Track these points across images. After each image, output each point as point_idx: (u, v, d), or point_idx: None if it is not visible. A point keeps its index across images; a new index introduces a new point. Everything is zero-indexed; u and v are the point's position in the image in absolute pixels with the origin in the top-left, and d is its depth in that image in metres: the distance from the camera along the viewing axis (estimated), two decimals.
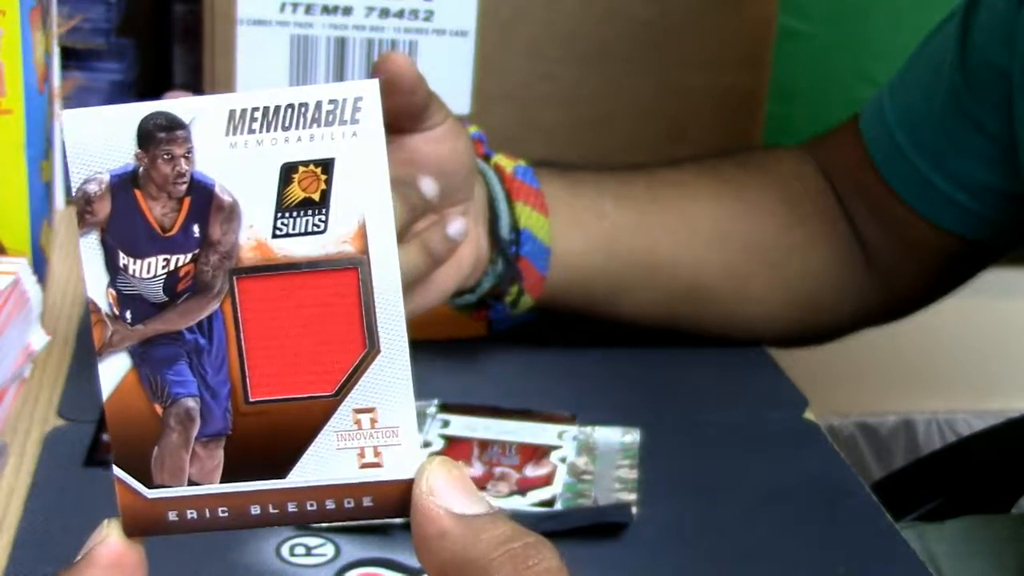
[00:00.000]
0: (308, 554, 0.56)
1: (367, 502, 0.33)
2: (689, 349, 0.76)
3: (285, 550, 0.56)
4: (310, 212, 0.31)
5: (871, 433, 1.72)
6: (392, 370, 0.32)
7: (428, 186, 0.62)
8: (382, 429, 0.33)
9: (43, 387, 0.68)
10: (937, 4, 0.78)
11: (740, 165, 0.79)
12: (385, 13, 0.94)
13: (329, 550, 0.56)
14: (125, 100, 1.01)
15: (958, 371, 1.71)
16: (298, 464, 0.33)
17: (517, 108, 0.97)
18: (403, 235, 0.61)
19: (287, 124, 0.31)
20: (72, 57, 0.89)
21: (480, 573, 0.32)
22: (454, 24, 0.95)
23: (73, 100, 0.89)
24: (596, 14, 0.97)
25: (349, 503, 0.33)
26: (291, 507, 0.33)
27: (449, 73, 0.96)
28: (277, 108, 0.31)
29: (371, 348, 0.32)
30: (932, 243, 0.75)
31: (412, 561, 0.55)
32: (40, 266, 0.75)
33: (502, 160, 0.70)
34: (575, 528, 0.57)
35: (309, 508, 0.33)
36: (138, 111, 0.32)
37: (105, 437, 0.63)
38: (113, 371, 0.32)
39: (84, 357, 0.71)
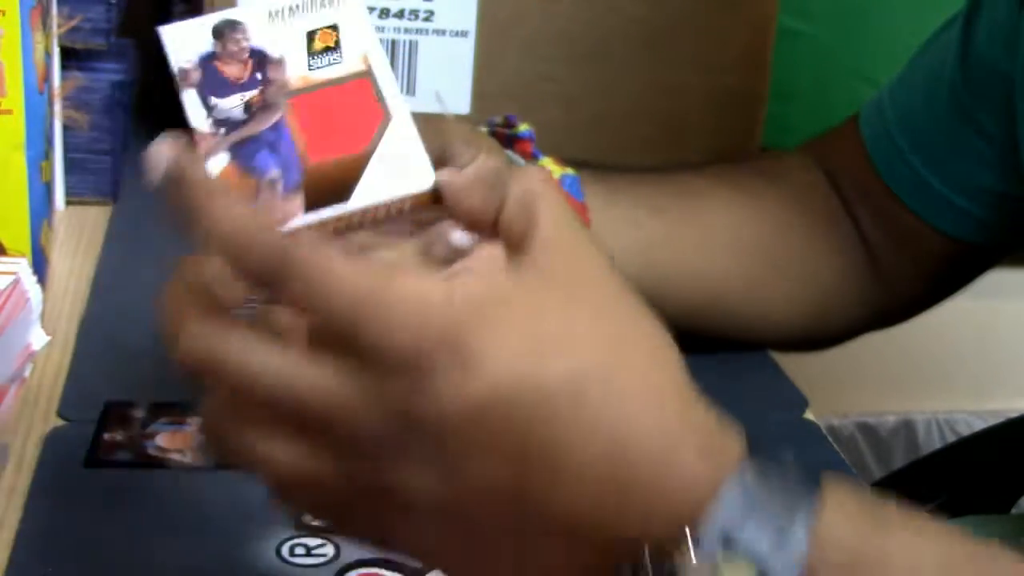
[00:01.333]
0: (308, 554, 0.56)
1: (407, 205, 0.46)
2: (689, 348, 0.76)
3: (285, 550, 0.56)
4: (330, 54, 0.48)
5: (871, 433, 1.72)
6: (399, 123, 0.47)
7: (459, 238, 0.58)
8: None
9: (43, 387, 0.68)
10: (937, 4, 0.78)
11: (759, 174, 0.78)
12: (385, 13, 0.94)
13: (329, 550, 0.56)
14: (125, 100, 1.01)
15: (958, 371, 1.71)
16: (354, 191, 0.46)
17: (517, 108, 0.97)
18: None
19: (305, 9, 0.48)
20: (72, 57, 0.89)
21: None
22: (454, 24, 0.95)
23: (73, 100, 0.89)
24: (596, 14, 0.97)
25: (394, 208, 0.46)
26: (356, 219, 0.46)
27: (449, 73, 0.96)
28: (300, 3, 0.48)
29: (386, 115, 0.47)
30: (932, 246, 0.75)
31: (412, 561, 0.55)
32: (40, 266, 0.75)
33: (550, 165, 0.69)
34: None
35: (367, 216, 0.46)
36: (212, 20, 0.48)
37: (105, 437, 0.63)
38: (217, 165, 0.46)
39: (84, 357, 0.71)
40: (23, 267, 0.68)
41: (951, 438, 1.70)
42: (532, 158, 0.69)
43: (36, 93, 0.74)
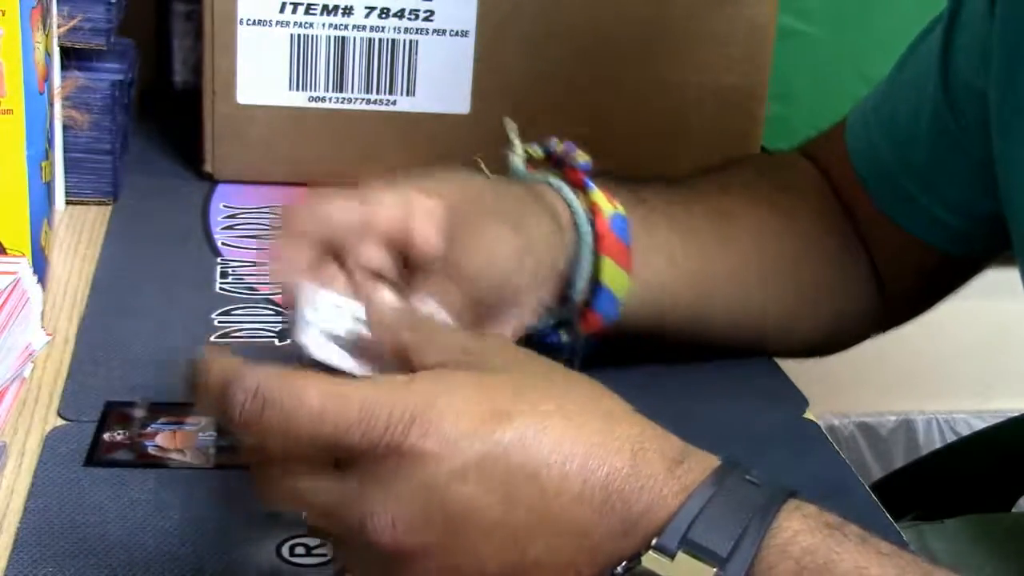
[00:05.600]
0: (308, 554, 0.56)
1: None
2: (690, 348, 0.76)
3: (285, 550, 0.56)
4: None
5: (871, 433, 1.72)
6: None
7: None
8: None
9: (43, 387, 0.68)
10: (937, 5, 0.78)
11: (782, 189, 0.77)
12: (385, 13, 0.94)
13: (329, 550, 0.56)
14: (125, 100, 1.01)
15: (958, 371, 1.71)
16: None
17: (516, 108, 0.97)
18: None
19: None
20: (72, 57, 0.89)
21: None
22: (454, 24, 0.95)
23: (73, 100, 0.89)
24: (595, 14, 0.97)
25: None
26: None
27: (449, 73, 0.96)
28: None
29: None
30: (921, 257, 0.75)
31: None
32: (40, 266, 0.75)
33: (600, 200, 0.67)
34: None
35: None
36: None
37: (105, 437, 0.63)
38: None
39: (84, 357, 0.71)
40: (23, 267, 0.68)
41: (951, 438, 1.71)
42: (583, 188, 0.67)
43: (36, 93, 0.74)
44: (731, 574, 0.41)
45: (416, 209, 0.58)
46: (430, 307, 0.56)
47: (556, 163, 0.69)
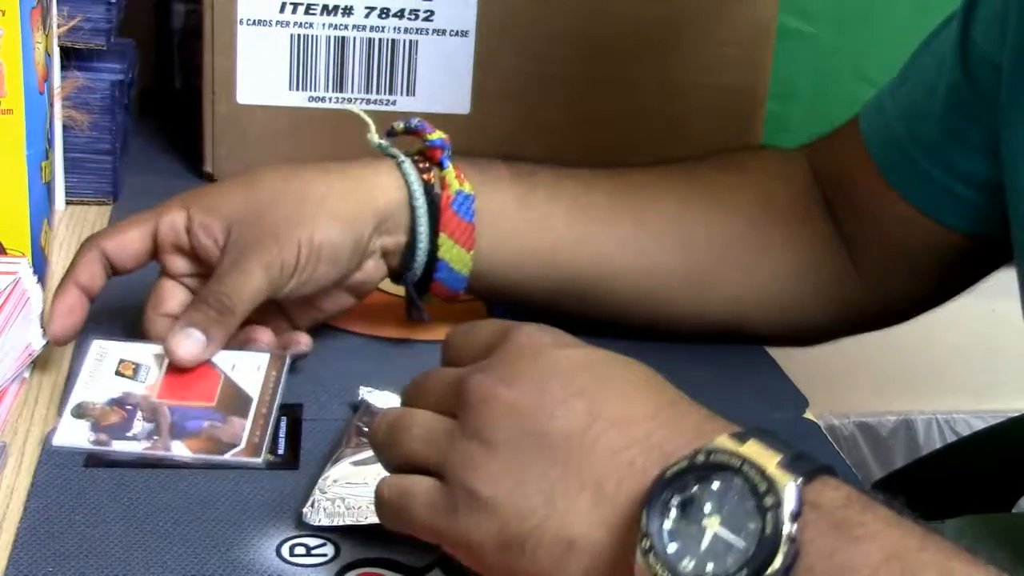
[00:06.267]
0: (308, 554, 0.56)
1: None
2: (689, 348, 0.76)
3: (285, 550, 0.56)
4: None
5: (871, 433, 1.72)
6: None
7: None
8: None
9: (43, 387, 0.68)
10: (937, 5, 0.78)
11: (717, 166, 0.79)
12: (385, 13, 0.94)
13: (329, 550, 0.56)
14: (125, 100, 1.00)
15: (958, 371, 1.71)
16: None
17: (516, 108, 0.97)
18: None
19: None
20: (72, 57, 0.89)
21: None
22: (454, 24, 0.95)
23: (73, 100, 0.89)
24: (595, 14, 0.97)
25: None
26: None
27: (449, 73, 0.96)
28: None
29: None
30: (929, 241, 0.75)
31: (412, 561, 0.55)
32: (40, 266, 0.75)
33: (450, 177, 0.70)
34: None
35: None
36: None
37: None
38: None
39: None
40: (23, 267, 0.68)
41: (951, 438, 1.71)
42: (438, 166, 0.71)
43: (36, 93, 0.74)
44: (794, 466, 0.44)
45: (193, 226, 0.67)
46: None
47: (418, 137, 0.73)
